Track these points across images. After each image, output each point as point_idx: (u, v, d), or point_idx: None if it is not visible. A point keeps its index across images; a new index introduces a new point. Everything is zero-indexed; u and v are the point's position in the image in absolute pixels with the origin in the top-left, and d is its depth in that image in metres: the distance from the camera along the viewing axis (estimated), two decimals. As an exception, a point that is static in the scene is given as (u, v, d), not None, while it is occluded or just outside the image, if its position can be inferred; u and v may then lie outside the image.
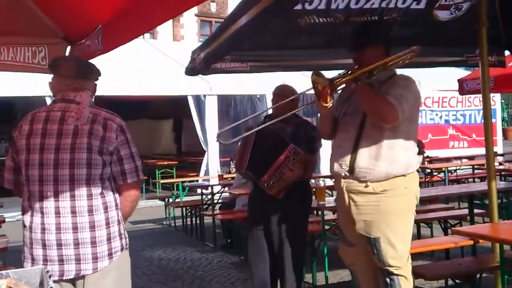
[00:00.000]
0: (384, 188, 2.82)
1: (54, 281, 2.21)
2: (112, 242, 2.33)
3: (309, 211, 4.10)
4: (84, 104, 2.35)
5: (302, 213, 3.82)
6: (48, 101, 9.18)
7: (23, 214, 2.34)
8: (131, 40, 2.78)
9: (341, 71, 2.89)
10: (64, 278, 2.26)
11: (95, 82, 2.52)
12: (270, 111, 4.07)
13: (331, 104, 2.79)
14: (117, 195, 2.39)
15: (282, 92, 3.82)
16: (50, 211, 2.25)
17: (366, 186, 2.84)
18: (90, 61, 2.63)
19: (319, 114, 3.20)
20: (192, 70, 3.69)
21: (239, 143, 3.84)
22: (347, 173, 2.89)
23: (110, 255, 2.32)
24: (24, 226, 2.32)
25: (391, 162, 2.81)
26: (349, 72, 2.82)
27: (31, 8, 2.88)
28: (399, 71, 2.99)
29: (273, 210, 3.69)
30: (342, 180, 2.93)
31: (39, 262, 2.25)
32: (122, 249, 2.38)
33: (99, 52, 2.77)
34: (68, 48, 3.35)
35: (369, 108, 2.81)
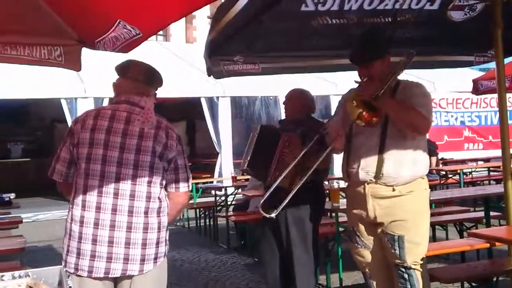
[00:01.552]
0: (410, 190, 2.93)
1: (96, 278, 2.26)
2: (159, 247, 2.37)
3: (323, 212, 4.09)
4: (150, 109, 2.40)
5: (315, 215, 3.81)
6: (64, 103, 9.30)
7: (72, 208, 2.33)
8: (173, 21, 2.75)
9: (353, 86, 2.98)
10: (109, 275, 2.27)
11: (156, 92, 2.58)
12: (275, 115, 4.13)
13: (376, 122, 2.83)
14: (168, 202, 2.44)
15: (290, 96, 3.89)
16: (107, 207, 2.27)
17: (393, 190, 2.93)
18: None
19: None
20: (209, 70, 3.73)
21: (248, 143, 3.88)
22: (372, 179, 2.95)
23: (155, 259, 2.35)
24: (73, 219, 2.31)
25: (414, 165, 2.93)
26: (359, 85, 2.94)
27: (46, 10, 2.90)
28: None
29: (285, 212, 3.68)
30: (367, 186, 2.98)
31: (86, 257, 2.26)
32: (165, 255, 2.42)
33: (140, 37, 2.74)
34: (83, 48, 3.37)
35: (404, 122, 2.88)
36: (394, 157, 2.91)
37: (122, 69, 2.53)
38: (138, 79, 2.48)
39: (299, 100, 3.89)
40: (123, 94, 2.46)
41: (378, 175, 2.92)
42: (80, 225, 2.28)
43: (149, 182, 2.33)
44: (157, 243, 2.35)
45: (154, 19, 2.63)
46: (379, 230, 2.99)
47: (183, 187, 2.45)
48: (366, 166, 2.96)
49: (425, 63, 4.29)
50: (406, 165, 2.91)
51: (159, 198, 2.37)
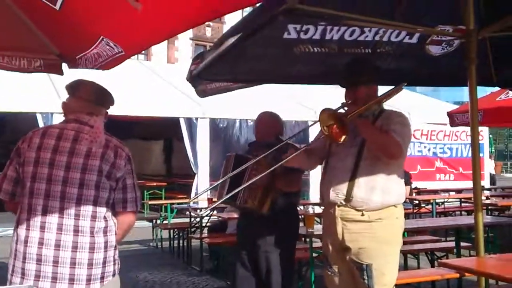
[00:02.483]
0: (379, 217, 2.93)
1: None
2: (106, 266, 2.34)
3: (297, 237, 4.11)
4: (99, 129, 2.39)
5: (290, 240, 3.83)
6: (39, 117, 9.20)
7: (17, 227, 2.31)
8: (156, 43, 2.77)
9: (337, 106, 3.01)
10: None
11: (107, 110, 2.57)
12: (254, 139, 4.12)
13: (344, 139, 2.84)
14: (115, 221, 2.42)
15: (261, 119, 3.92)
16: (52, 227, 2.25)
17: (362, 215, 2.93)
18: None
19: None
20: (189, 76, 3.74)
21: (221, 172, 3.84)
22: (343, 201, 2.96)
23: (102, 278, 2.32)
24: (17, 239, 2.29)
25: (386, 192, 2.94)
26: (345, 107, 2.98)
27: (27, 24, 2.90)
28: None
29: (260, 236, 3.69)
30: (337, 208, 3.00)
31: (30, 277, 2.23)
32: (113, 275, 2.39)
33: (122, 55, 2.74)
34: (64, 64, 3.36)
35: (376, 144, 2.93)
36: (365, 182, 2.93)
37: (72, 88, 2.53)
38: (88, 99, 2.48)
39: (269, 123, 3.91)
40: (72, 113, 2.46)
41: (348, 198, 2.94)
42: (25, 244, 2.26)
43: (95, 202, 2.32)
44: (104, 263, 2.33)
45: (138, 39, 2.65)
46: (348, 257, 2.98)
47: (131, 206, 2.43)
48: (338, 188, 2.98)
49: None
50: (378, 191, 2.92)
51: (105, 217, 2.36)
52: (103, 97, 2.54)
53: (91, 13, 2.46)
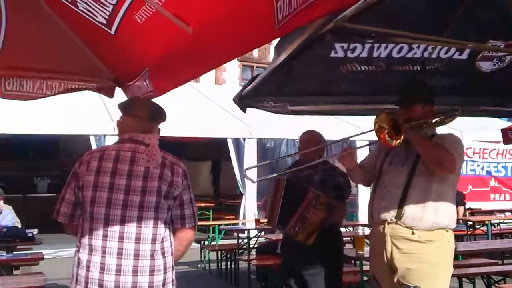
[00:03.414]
0: (429, 238, 2.88)
1: None
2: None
3: (343, 259, 4.02)
4: (155, 147, 2.39)
5: (335, 262, 3.74)
6: (92, 140, 9.46)
7: (78, 251, 2.32)
8: (181, 84, 2.84)
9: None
10: None
11: (159, 127, 2.58)
12: (297, 157, 4.05)
13: (395, 144, 2.89)
14: (173, 241, 2.42)
15: (309, 138, 3.82)
16: (113, 251, 2.25)
17: (413, 233, 2.89)
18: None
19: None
20: (237, 98, 3.75)
21: (269, 194, 3.80)
22: (393, 218, 2.93)
23: None
24: (79, 264, 2.30)
25: (438, 212, 2.90)
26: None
27: (82, 49, 2.99)
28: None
29: (305, 259, 3.64)
30: (387, 225, 2.96)
31: None
32: None
33: (150, 95, 2.83)
34: (117, 88, 3.46)
35: (429, 155, 2.91)
36: (417, 199, 2.90)
37: (126, 107, 2.54)
38: (142, 116, 2.48)
39: (318, 144, 3.78)
40: (126, 132, 2.46)
41: (399, 214, 2.91)
42: (87, 269, 2.27)
43: (155, 223, 2.32)
44: (163, 285, 2.33)
45: (167, 80, 2.72)
46: (395, 279, 2.92)
47: (189, 222, 2.42)
48: (389, 205, 2.96)
49: (468, 111, 4.26)
50: (429, 210, 2.88)
51: (164, 238, 2.35)
52: (157, 113, 2.54)
53: (144, 40, 2.52)
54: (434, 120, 3.15)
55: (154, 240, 2.31)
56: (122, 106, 2.56)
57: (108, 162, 2.35)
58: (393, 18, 2.96)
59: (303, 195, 3.51)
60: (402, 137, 2.88)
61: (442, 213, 2.90)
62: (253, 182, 3.64)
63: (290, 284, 3.75)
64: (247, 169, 3.72)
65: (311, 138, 3.81)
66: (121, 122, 2.53)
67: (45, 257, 5.60)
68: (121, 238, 2.26)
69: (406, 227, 2.90)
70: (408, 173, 2.96)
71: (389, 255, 2.94)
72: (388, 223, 2.96)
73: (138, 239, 2.28)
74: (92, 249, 2.27)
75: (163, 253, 2.34)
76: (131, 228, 2.28)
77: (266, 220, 4.21)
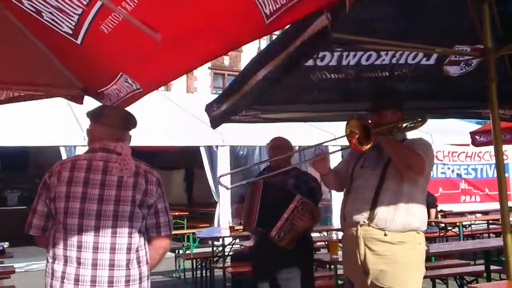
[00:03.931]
0: (402, 240, 2.91)
1: None
2: None
3: (313, 263, 4.08)
4: (128, 156, 2.36)
5: (307, 266, 3.81)
6: (63, 150, 9.32)
7: (52, 263, 2.28)
8: (173, 80, 2.79)
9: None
10: None
11: (130, 134, 2.54)
12: (268, 163, 4.09)
13: (366, 149, 2.98)
14: (148, 250, 2.39)
15: (278, 144, 3.90)
16: (87, 262, 2.22)
17: (385, 235, 2.92)
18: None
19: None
20: (213, 123, 3.75)
21: (246, 198, 3.83)
22: (366, 220, 2.95)
23: None
24: (53, 275, 2.25)
25: (410, 214, 2.94)
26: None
27: (50, 58, 2.95)
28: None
29: (277, 264, 3.66)
30: (359, 228, 2.98)
31: None
32: None
33: (141, 93, 2.77)
34: (86, 97, 3.41)
35: (399, 158, 2.96)
36: (389, 201, 2.94)
37: (96, 114, 2.49)
38: (114, 124, 2.44)
39: (287, 150, 3.89)
40: (97, 141, 2.42)
41: (371, 216, 2.95)
42: (61, 281, 2.22)
43: (130, 233, 2.29)
44: None
45: (156, 76, 2.68)
46: (369, 281, 2.95)
47: (164, 231, 2.41)
48: (361, 207, 3.00)
49: (437, 114, 4.36)
50: (400, 211, 2.93)
51: (139, 248, 2.33)
52: (128, 121, 2.51)
53: (112, 49, 2.49)
54: (404, 125, 3.20)
55: (129, 250, 2.28)
56: (91, 114, 2.50)
57: (80, 172, 2.31)
58: (361, 26, 3.01)
59: (283, 197, 3.56)
60: (373, 142, 2.93)
61: (413, 215, 2.95)
62: (227, 188, 3.67)
63: None
64: (220, 176, 3.75)
65: (280, 144, 3.90)
66: (91, 131, 2.49)
67: (16, 270, 5.49)
68: (95, 249, 2.23)
69: (379, 229, 2.94)
70: (379, 176, 3.01)
71: (363, 257, 2.96)
72: (361, 225, 2.98)
73: (113, 249, 2.25)
74: (67, 260, 2.24)
75: (138, 263, 2.32)
76: (105, 238, 2.25)
77: (242, 226, 4.22)
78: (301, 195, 3.55)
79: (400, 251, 2.90)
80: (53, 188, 2.30)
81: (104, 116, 2.47)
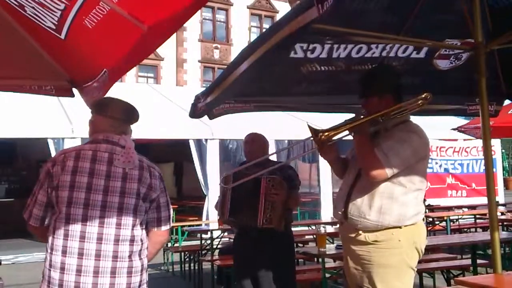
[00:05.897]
0: (376, 239, 2.70)
1: None
2: None
3: (294, 256, 4.14)
4: (132, 149, 2.35)
5: (290, 258, 3.88)
6: (51, 143, 9.24)
7: (51, 253, 2.23)
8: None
9: (349, 116, 2.89)
10: None
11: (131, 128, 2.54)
12: (244, 159, 4.25)
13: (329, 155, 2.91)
14: (147, 243, 2.40)
15: (253, 138, 4.12)
16: (91, 253, 2.20)
17: (358, 235, 2.75)
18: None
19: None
20: (194, 113, 3.71)
21: (220, 193, 3.97)
22: (343, 219, 2.83)
23: None
24: (52, 266, 2.21)
25: (382, 212, 2.69)
26: (350, 120, 2.83)
27: (39, 52, 2.92)
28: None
29: (258, 257, 3.74)
30: (341, 225, 2.91)
31: None
32: None
33: (102, 93, 2.77)
34: (74, 89, 3.38)
35: (359, 157, 2.79)
36: (362, 199, 2.73)
37: (101, 106, 2.48)
38: (118, 117, 2.43)
39: (263, 143, 4.10)
40: (102, 133, 2.40)
41: (346, 214, 2.78)
42: (61, 272, 2.19)
43: (133, 225, 2.29)
44: (139, 286, 2.31)
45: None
46: (356, 281, 2.82)
47: (164, 225, 2.43)
48: (338, 204, 2.88)
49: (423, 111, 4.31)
50: (372, 210, 2.69)
51: (141, 240, 2.33)
52: (132, 114, 2.50)
53: (96, 43, 2.47)
54: (393, 113, 2.79)
55: (132, 242, 2.28)
56: (96, 105, 2.50)
57: (85, 162, 2.28)
58: (352, 19, 3.00)
59: (253, 185, 3.63)
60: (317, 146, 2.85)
61: (388, 214, 2.68)
62: (227, 188, 3.78)
63: (244, 282, 3.81)
64: (224, 177, 3.93)
65: (255, 138, 4.12)
66: (94, 122, 2.47)
67: (3, 262, 5.45)
68: (99, 240, 2.22)
69: (354, 228, 2.76)
70: (356, 173, 2.83)
71: (347, 256, 2.86)
72: (341, 223, 2.88)
73: (117, 241, 2.24)
74: (67, 251, 2.20)
75: (140, 255, 2.32)
76: (110, 230, 2.24)
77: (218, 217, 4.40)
78: (265, 175, 3.62)
79: (374, 252, 2.70)
80: (57, 177, 2.26)
81: (109, 109, 2.45)
